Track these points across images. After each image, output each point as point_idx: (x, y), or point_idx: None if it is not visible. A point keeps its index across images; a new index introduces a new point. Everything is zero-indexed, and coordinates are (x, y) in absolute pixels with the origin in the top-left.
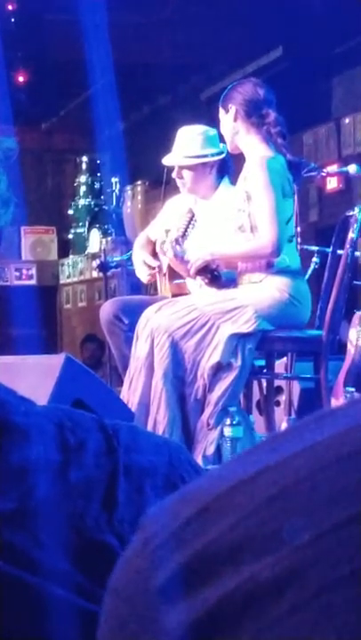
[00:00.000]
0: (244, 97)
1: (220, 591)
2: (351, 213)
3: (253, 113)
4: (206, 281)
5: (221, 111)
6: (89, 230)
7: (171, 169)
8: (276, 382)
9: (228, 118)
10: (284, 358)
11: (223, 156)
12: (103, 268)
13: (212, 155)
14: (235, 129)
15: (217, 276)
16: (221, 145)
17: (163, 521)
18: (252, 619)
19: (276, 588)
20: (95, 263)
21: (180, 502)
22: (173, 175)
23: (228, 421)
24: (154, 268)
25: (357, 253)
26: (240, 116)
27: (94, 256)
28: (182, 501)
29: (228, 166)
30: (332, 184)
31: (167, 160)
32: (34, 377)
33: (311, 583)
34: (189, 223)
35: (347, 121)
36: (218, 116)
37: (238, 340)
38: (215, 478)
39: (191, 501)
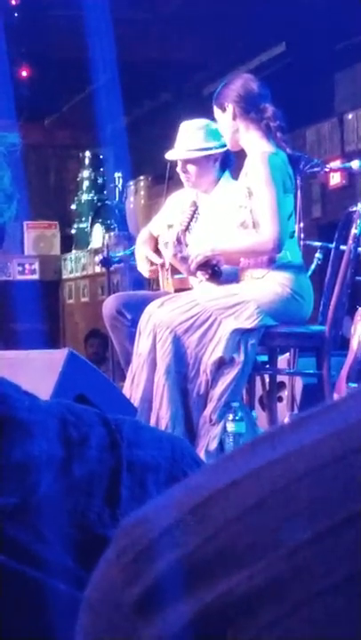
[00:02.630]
0: (239, 93)
1: (196, 605)
2: (354, 209)
3: (251, 109)
4: (207, 276)
5: (217, 110)
6: (92, 225)
7: (174, 164)
8: (279, 378)
9: (227, 117)
10: (287, 354)
11: (226, 148)
12: (106, 263)
13: (216, 147)
14: (234, 127)
15: (217, 271)
16: (223, 138)
17: (137, 534)
18: (231, 633)
19: (254, 601)
20: (98, 258)
21: (153, 514)
22: (178, 169)
23: (230, 417)
24: (157, 265)
25: (360, 249)
26: (238, 113)
27: (97, 251)
28: (156, 513)
29: (230, 160)
30: (336, 180)
31: (171, 155)
32: (36, 372)
33: (291, 596)
34: (193, 216)
35: (350, 116)
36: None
37: (241, 335)
38: (191, 488)
39: (166, 513)
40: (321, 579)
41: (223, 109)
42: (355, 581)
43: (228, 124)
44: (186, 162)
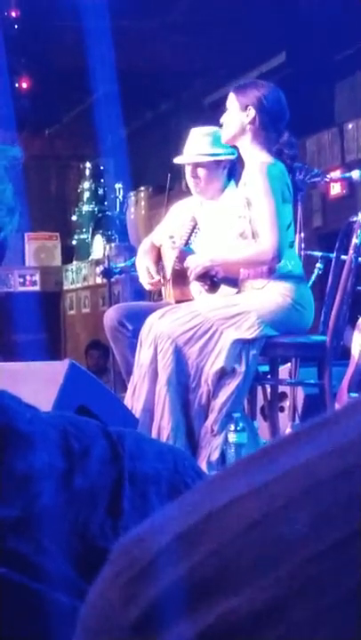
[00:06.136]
0: (266, 105)
1: (197, 627)
2: (355, 219)
3: (270, 127)
4: (206, 287)
5: (235, 102)
6: (93, 236)
7: (175, 175)
8: (280, 388)
9: (242, 116)
10: (288, 364)
11: (235, 156)
12: (107, 273)
13: (225, 154)
14: (243, 128)
15: (216, 282)
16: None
17: (134, 553)
18: None
19: (257, 621)
20: (99, 269)
21: (151, 533)
22: (187, 175)
23: (232, 427)
24: (158, 280)
25: None
26: (256, 124)
27: (98, 262)
28: (154, 532)
29: (236, 169)
30: (336, 190)
31: (180, 159)
32: (38, 383)
33: (293, 615)
34: (192, 232)
35: (350, 126)
36: (221, 121)
37: (242, 345)
38: (188, 507)
39: (163, 532)
40: (324, 597)
41: (244, 108)
42: (358, 598)
43: (238, 123)
44: (196, 166)
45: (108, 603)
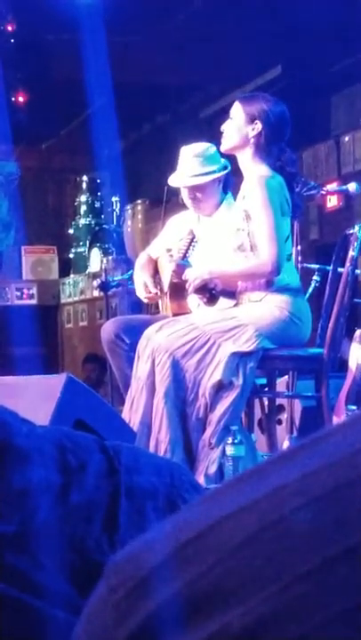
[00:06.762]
0: (272, 119)
1: None
2: (351, 231)
3: (273, 141)
4: (205, 300)
5: (241, 112)
6: (90, 249)
7: (172, 188)
8: (278, 401)
9: (248, 129)
10: (286, 377)
11: (228, 170)
12: (104, 287)
13: (219, 170)
14: (246, 142)
15: (215, 295)
16: (223, 160)
17: (128, 570)
18: None
19: (250, 638)
20: (96, 282)
21: (144, 550)
22: (184, 196)
23: (229, 440)
24: (155, 294)
25: (358, 271)
26: (260, 139)
27: (95, 275)
28: (147, 549)
29: (231, 182)
30: (332, 202)
31: (176, 182)
32: (35, 397)
33: (285, 632)
34: (190, 245)
35: (346, 139)
36: (218, 135)
37: (239, 358)
38: (181, 524)
39: (156, 549)
40: (316, 614)
41: (250, 120)
42: (351, 617)
43: (242, 135)
44: (194, 189)
45: (102, 620)
